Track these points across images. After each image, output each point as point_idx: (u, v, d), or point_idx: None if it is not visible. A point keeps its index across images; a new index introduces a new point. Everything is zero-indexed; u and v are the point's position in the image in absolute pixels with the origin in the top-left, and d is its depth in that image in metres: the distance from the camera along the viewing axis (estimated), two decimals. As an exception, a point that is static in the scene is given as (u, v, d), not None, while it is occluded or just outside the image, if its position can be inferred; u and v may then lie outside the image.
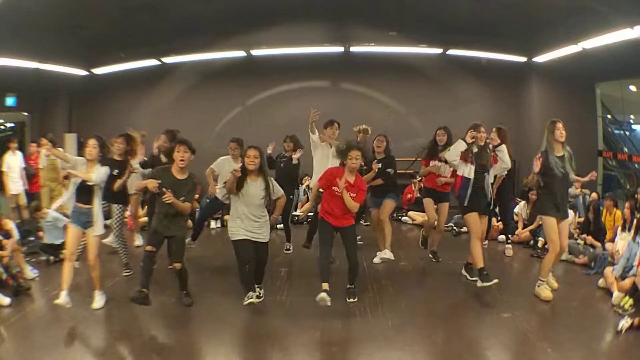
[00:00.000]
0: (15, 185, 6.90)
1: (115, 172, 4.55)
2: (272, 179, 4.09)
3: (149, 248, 3.97)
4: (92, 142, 4.05)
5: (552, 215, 4.19)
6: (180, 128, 8.75)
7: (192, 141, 4.10)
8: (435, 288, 4.65)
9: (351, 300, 4.12)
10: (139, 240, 6.05)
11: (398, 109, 8.60)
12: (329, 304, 3.76)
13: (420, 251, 5.63)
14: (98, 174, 3.98)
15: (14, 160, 6.95)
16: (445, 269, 5.08)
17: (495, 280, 4.19)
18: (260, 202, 3.97)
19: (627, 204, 5.42)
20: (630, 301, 3.92)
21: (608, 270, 4.54)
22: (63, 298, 3.89)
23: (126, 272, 4.96)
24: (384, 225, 5.16)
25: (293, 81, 8.81)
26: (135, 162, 5.02)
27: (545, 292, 4.21)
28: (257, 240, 4.01)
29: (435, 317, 3.92)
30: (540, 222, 4.96)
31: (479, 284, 4.24)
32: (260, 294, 4.14)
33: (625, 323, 3.59)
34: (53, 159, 6.55)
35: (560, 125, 4.17)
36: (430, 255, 5.42)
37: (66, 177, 5.57)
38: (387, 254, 5.08)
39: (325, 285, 3.87)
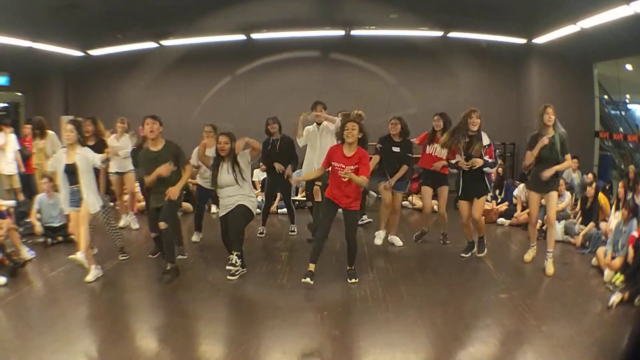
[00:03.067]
0: (9, 166, 6.78)
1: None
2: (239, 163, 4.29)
3: (152, 235, 4.31)
4: (68, 127, 4.12)
5: (534, 190, 4.61)
6: (176, 110, 8.73)
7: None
8: (434, 271, 4.72)
9: (352, 281, 4.23)
10: (126, 221, 6.19)
11: (399, 92, 8.56)
12: (311, 282, 4.04)
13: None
14: (84, 156, 4.13)
15: (6, 142, 6.80)
16: (445, 252, 5.16)
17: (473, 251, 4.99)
18: (232, 184, 4.25)
19: (620, 183, 5.53)
20: (622, 277, 4.04)
21: (601, 249, 4.67)
22: (79, 254, 4.09)
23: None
24: (395, 215, 5.38)
25: (294, 66, 8.70)
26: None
27: (529, 255, 4.82)
28: (230, 209, 4.28)
29: (435, 300, 3.99)
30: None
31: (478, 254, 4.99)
32: (233, 260, 4.24)
33: (615, 298, 3.73)
34: (43, 145, 6.33)
35: (549, 110, 4.35)
36: (440, 238, 5.57)
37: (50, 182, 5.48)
38: (395, 239, 5.43)
39: (312, 267, 4.11)
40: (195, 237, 5.59)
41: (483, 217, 5.02)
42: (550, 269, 4.45)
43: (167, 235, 4.20)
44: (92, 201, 4.20)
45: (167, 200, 4.17)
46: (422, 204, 5.62)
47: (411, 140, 5.30)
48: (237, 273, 4.34)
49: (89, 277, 4.19)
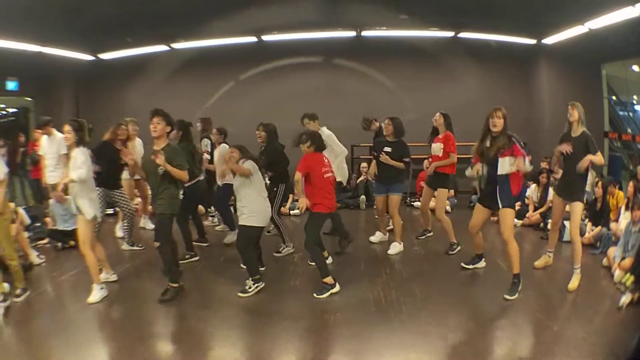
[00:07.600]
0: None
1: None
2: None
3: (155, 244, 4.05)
4: (67, 128, 3.87)
5: (559, 196, 4.39)
6: (187, 112, 8.75)
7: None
8: (447, 272, 4.72)
9: (315, 295, 4.03)
10: (143, 223, 6.29)
11: (407, 93, 8.59)
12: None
13: (430, 237, 5.76)
14: (76, 160, 3.82)
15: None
16: (458, 253, 5.16)
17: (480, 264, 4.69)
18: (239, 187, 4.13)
19: (630, 184, 5.52)
20: (632, 278, 4.03)
21: (611, 250, 4.68)
22: (93, 294, 3.93)
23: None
24: (393, 218, 5.28)
25: (304, 69, 8.76)
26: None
27: (540, 262, 4.69)
28: (239, 219, 4.18)
29: (448, 300, 4.00)
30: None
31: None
32: (247, 286, 4.10)
33: (626, 299, 3.73)
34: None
35: (569, 107, 4.20)
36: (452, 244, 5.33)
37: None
38: (396, 246, 5.23)
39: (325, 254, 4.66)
40: (228, 239, 5.62)
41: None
42: (573, 283, 4.16)
43: (162, 253, 3.96)
44: (86, 209, 3.89)
45: (158, 216, 3.97)
46: (421, 201, 5.67)
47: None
48: (249, 290, 4.14)
49: (91, 298, 3.92)
